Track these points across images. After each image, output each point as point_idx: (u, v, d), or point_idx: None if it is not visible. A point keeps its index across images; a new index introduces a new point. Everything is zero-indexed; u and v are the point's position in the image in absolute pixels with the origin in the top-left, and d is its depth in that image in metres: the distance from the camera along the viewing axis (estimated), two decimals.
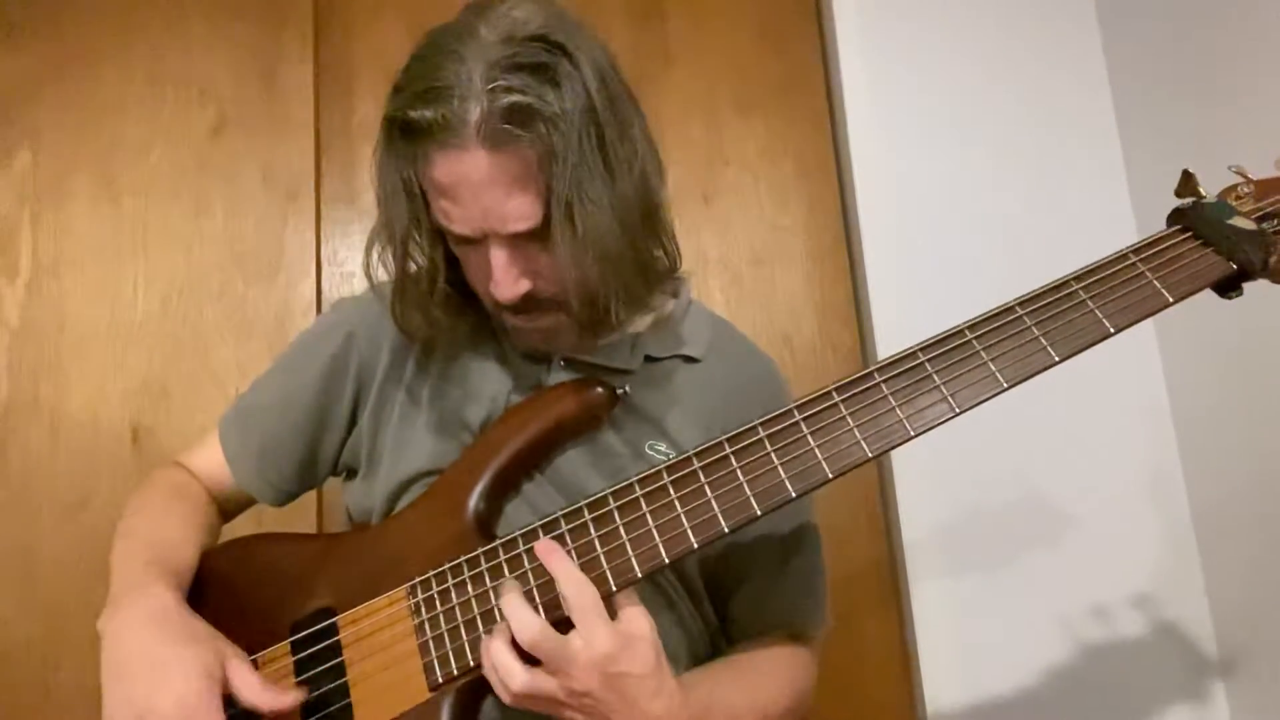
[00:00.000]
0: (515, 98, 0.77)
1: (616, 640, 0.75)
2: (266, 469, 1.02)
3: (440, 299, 0.90)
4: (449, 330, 0.94)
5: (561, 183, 0.80)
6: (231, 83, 1.71)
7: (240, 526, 1.06)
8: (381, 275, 0.91)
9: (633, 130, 0.85)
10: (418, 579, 0.86)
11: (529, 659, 0.76)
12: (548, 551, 0.79)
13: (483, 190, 0.80)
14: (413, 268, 0.89)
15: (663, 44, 1.76)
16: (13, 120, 1.66)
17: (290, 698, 0.82)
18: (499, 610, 0.78)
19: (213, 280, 1.64)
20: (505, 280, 0.84)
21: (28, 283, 1.61)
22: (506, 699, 0.77)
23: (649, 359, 0.97)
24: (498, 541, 0.84)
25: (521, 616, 0.75)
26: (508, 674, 0.75)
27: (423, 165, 0.82)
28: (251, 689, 0.80)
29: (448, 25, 0.83)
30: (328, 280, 1.67)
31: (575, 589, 0.76)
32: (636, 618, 0.78)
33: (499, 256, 0.84)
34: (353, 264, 1.68)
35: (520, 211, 0.81)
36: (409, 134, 0.81)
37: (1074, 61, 1.70)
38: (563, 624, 0.76)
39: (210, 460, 1.04)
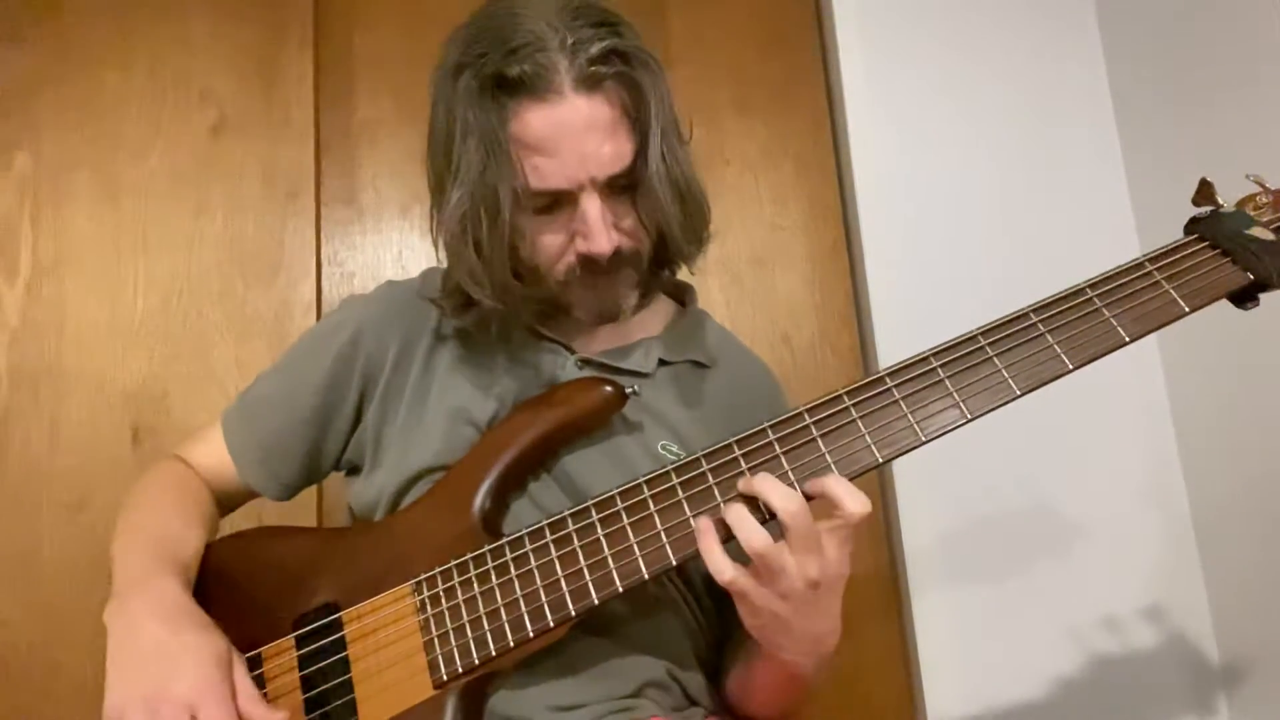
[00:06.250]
0: (599, 44, 0.81)
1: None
2: (270, 463, 1.01)
3: (507, 276, 0.89)
4: (516, 311, 0.93)
5: (651, 118, 0.84)
6: (231, 83, 1.70)
7: (240, 521, 1.05)
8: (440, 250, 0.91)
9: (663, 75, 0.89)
10: (422, 576, 0.86)
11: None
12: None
13: (582, 135, 0.82)
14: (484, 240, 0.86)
15: (663, 44, 1.75)
16: (13, 120, 1.65)
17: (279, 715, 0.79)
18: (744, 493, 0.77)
19: (213, 280, 1.63)
20: (601, 230, 0.85)
21: (28, 283, 1.60)
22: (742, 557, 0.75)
23: (662, 362, 0.98)
24: (503, 540, 0.85)
25: (779, 489, 0.75)
26: (750, 531, 0.74)
27: (514, 125, 0.82)
28: (246, 696, 0.79)
29: (492, 9, 0.85)
30: (328, 280, 1.67)
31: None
32: None
33: (593, 206, 0.84)
34: (353, 264, 1.68)
35: (617, 151, 0.83)
36: (505, 91, 0.82)
37: (1074, 61, 1.70)
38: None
39: (211, 454, 1.03)
